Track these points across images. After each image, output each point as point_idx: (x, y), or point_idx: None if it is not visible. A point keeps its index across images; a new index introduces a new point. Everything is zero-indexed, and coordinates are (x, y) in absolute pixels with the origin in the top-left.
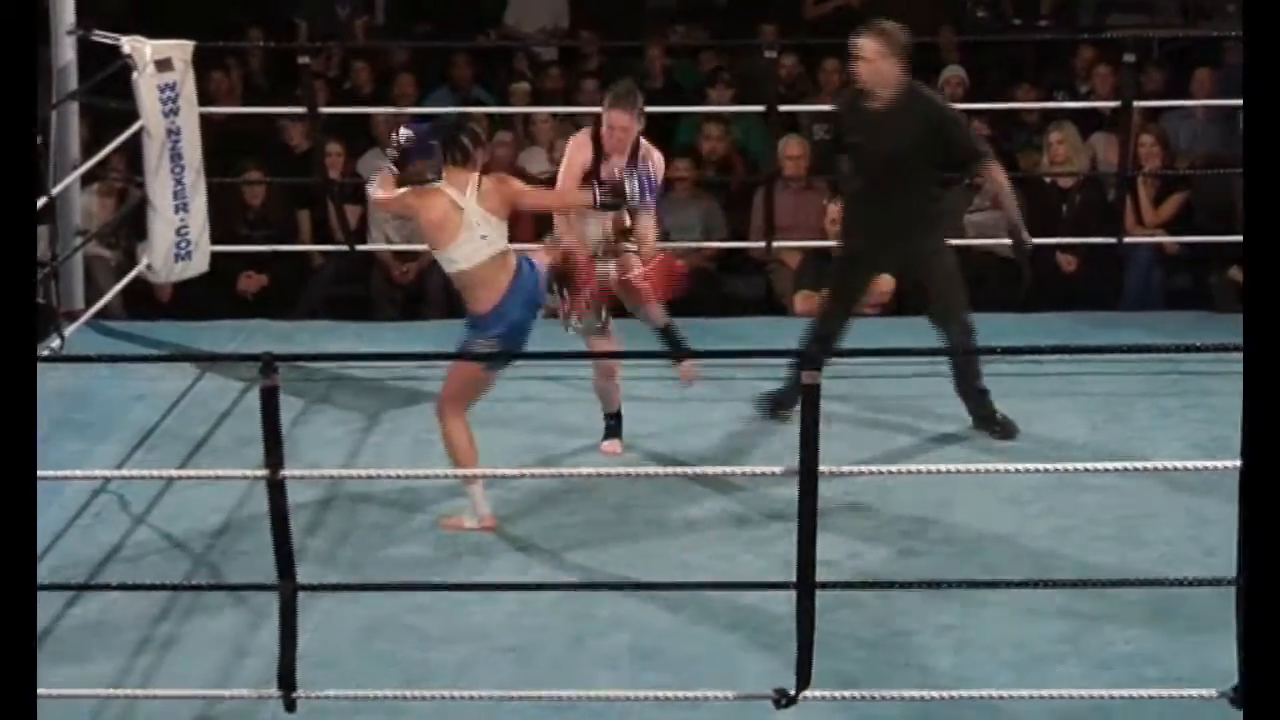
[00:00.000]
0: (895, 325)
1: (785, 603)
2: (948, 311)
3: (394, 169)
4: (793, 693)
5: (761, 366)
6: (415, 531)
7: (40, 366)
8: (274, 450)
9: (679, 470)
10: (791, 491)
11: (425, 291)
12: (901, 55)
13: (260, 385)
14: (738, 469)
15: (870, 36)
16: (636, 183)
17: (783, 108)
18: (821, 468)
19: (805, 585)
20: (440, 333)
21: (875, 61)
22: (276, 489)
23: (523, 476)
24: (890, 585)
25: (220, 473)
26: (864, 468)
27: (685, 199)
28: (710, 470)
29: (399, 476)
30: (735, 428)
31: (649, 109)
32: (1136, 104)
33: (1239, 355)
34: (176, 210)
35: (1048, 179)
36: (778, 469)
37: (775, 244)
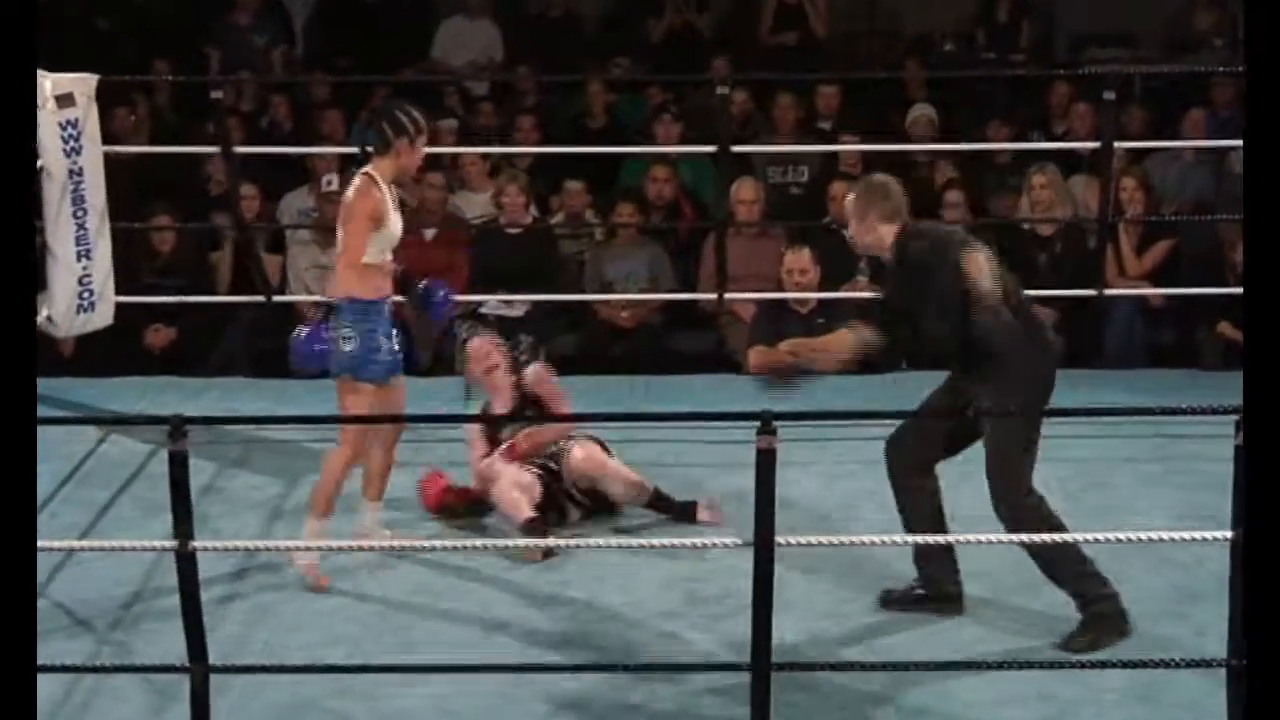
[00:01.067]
0: (863, 384)
1: (739, 686)
2: (998, 488)
3: None
4: None
5: (711, 429)
6: (337, 607)
7: None
8: (184, 519)
9: (623, 542)
10: (746, 563)
11: None
12: (886, 213)
13: (169, 449)
14: (686, 540)
15: (853, 193)
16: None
17: (735, 148)
18: (779, 538)
19: (760, 667)
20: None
21: (853, 220)
22: (187, 561)
23: (455, 549)
24: (853, 666)
25: (125, 544)
26: (825, 538)
27: (630, 246)
28: (656, 542)
29: (318, 548)
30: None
31: (591, 149)
32: (1117, 145)
33: (1227, 418)
34: (79, 258)
35: (1025, 225)
36: (730, 541)
37: (728, 295)
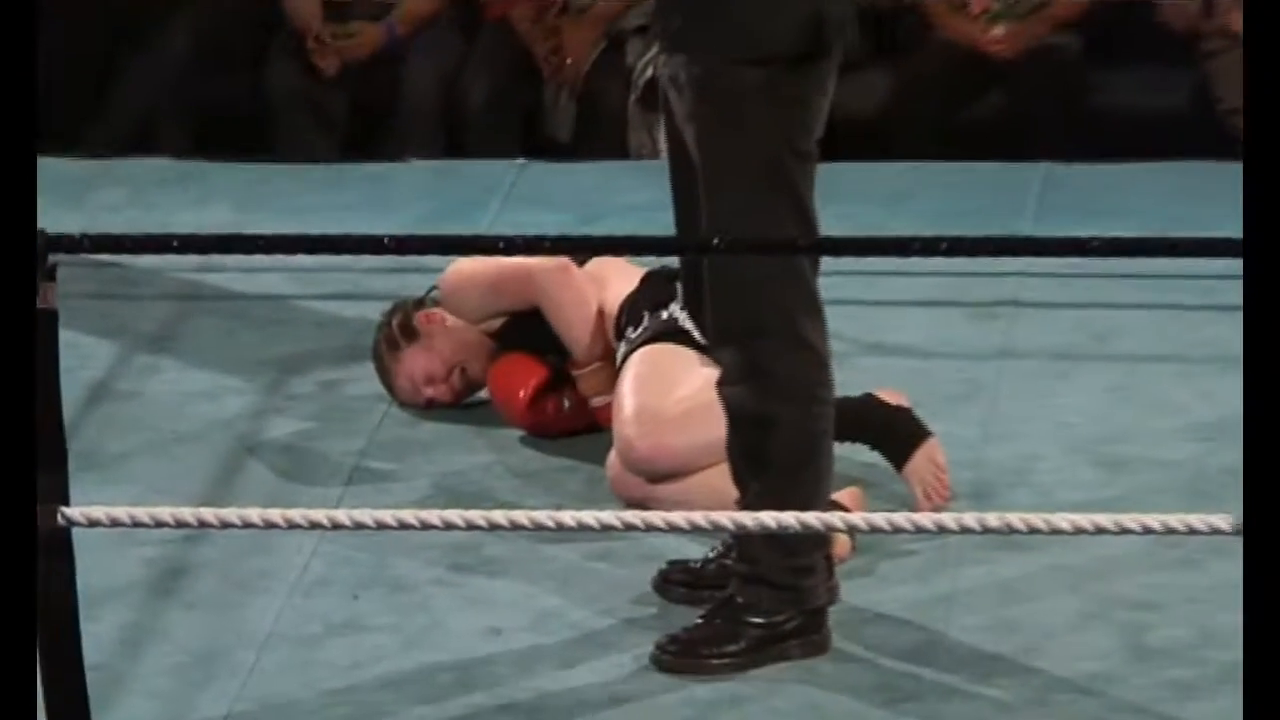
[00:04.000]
0: None
1: None
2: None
3: None
4: None
5: (1174, 278)
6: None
7: None
8: (55, 465)
9: (989, 521)
10: (1233, 571)
11: (394, 95)
12: None
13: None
14: (1106, 519)
15: None
16: None
17: None
18: None
19: None
20: (422, 185)
21: None
22: (55, 543)
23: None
24: None
25: None
26: None
27: None
28: (1051, 520)
29: (310, 524)
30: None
31: None
32: None
33: None
34: None
35: None
36: (1206, 521)
37: None
